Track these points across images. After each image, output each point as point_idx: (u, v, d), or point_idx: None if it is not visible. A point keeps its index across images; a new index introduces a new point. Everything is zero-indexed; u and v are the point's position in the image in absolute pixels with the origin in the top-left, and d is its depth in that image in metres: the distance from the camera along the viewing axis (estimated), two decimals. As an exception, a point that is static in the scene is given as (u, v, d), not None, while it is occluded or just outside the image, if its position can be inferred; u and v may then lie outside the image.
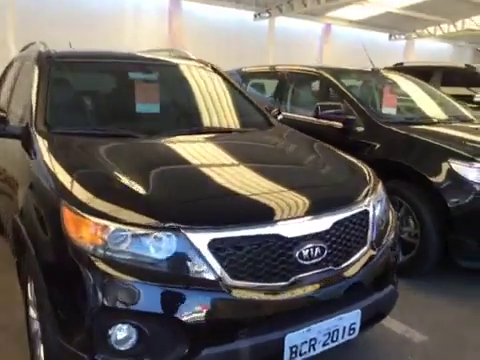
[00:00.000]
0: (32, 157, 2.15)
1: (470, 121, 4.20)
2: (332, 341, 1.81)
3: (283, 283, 1.70)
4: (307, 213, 1.82)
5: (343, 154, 2.56)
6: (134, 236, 1.62)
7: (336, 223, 1.86)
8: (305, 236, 1.77)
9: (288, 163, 2.34)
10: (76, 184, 1.81)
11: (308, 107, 4.51)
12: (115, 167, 1.95)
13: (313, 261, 1.77)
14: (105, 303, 1.56)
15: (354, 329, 1.86)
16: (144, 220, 1.64)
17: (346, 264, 1.87)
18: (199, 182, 1.94)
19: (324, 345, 1.79)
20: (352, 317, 1.85)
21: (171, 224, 1.62)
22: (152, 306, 1.57)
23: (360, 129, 3.89)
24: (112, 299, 1.57)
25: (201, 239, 1.62)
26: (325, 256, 1.80)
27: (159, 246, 1.61)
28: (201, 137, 2.51)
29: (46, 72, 2.66)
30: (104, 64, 3.03)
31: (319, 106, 3.97)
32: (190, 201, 1.78)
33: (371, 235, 2.00)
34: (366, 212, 2.01)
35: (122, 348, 1.59)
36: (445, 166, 3.21)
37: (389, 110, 4.20)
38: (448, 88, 6.17)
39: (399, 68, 6.92)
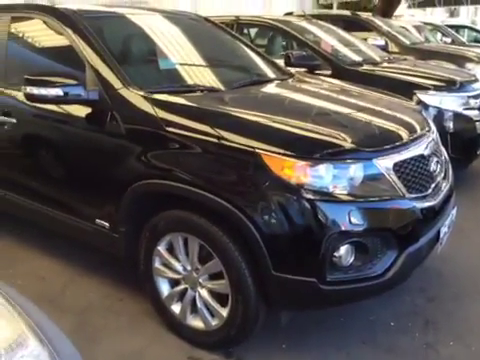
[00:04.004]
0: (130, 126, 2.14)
1: (403, 60, 5.09)
2: (448, 229, 2.34)
3: (429, 191, 2.15)
4: (428, 132, 2.30)
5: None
6: (337, 168, 1.85)
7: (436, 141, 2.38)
8: (432, 153, 2.25)
9: (368, 99, 2.72)
10: (265, 133, 1.94)
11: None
12: (271, 113, 2.09)
13: (436, 172, 2.26)
14: (331, 229, 1.80)
15: (454, 221, 2.45)
16: (345, 153, 1.89)
17: (445, 172, 2.41)
18: (357, 118, 2.23)
19: (447, 233, 2.32)
20: (454, 212, 2.42)
21: (366, 155, 1.91)
22: (368, 223, 1.85)
23: (327, 72, 4.42)
24: (336, 224, 1.81)
25: (387, 163, 1.95)
26: (439, 168, 2.31)
27: (360, 173, 1.88)
28: (276, 84, 2.78)
29: (89, 30, 2.45)
30: (128, 19, 2.87)
31: (290, 54, 4.35)
32: (374, 135, 2.08)
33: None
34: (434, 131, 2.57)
35: (347, 264, 1.87)
36: (412, 95, 3.99)
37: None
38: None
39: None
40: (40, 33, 2.83)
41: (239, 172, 1.88)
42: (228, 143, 1.89)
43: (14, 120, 2.63)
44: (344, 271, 1.87)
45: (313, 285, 1.83)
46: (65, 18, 2.56)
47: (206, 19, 3.49)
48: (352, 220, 1.82)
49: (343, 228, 1.81)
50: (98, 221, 2.33)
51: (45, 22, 2.68)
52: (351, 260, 1.87)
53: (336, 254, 1.84)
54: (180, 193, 2.00)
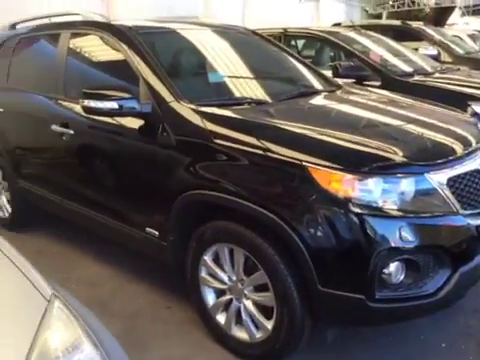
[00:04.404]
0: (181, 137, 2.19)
1: (457, 70, 4.92)
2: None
3: (485, 207, 2.06)
4: None
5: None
6: (387, 182, 1.81)
7: None
8: None
9: (420, 110, 2.64)
10: (312, 146, 1.93)
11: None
12: (318, 125, 2.09)
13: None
14: (381, 244, 1.75)
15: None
16: (395, 167, 1.85)
17: None
18: (408, 131, 2.18)
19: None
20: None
21: (418, 169, 1.86)
22: (420, 240, 1.79)
23: (376, 83, 4.33)
24: (386, 240, 1.76)
25: (440, 178, 1.88)
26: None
27: (411, 188, 1.82)
28: (323, 96, 2.76)
29: (143, 45, 2.54)
30: (179, 34, 2.97)
31: (338, 65, 4.31)
32: (427, 149, 2.02)
33: None
34: None
35: (397, 282, 1.81)
36: (466, 106, 3.84)
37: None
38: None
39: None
40: (97, 48, 2.98)
41: (286, 185, 1.88)
42: (275, 156, 1.90)
43: (71, 131, 2.78)
44: (394, 289, 1.82)
45: (361, 302, 1.79)
46: (121, 34, 2.68)
47: (253, 32, 3.54)
48: (403, 236, 1.77)
49: (393, 244, 1.77)
50: (148, 229, 2.41)
51: (101, 38, 2.82)
52: (401, 278, 1.82)
53: (385, 271, 1.79)
54: (227, 204, 2.03)
